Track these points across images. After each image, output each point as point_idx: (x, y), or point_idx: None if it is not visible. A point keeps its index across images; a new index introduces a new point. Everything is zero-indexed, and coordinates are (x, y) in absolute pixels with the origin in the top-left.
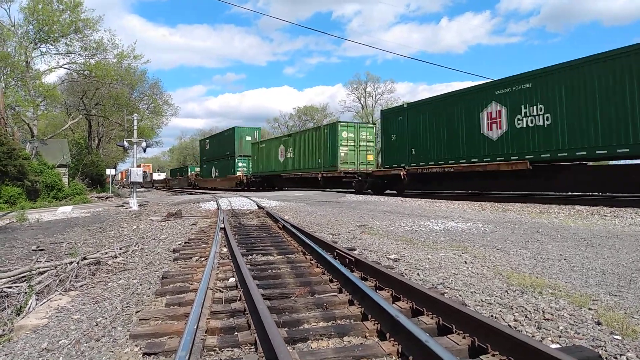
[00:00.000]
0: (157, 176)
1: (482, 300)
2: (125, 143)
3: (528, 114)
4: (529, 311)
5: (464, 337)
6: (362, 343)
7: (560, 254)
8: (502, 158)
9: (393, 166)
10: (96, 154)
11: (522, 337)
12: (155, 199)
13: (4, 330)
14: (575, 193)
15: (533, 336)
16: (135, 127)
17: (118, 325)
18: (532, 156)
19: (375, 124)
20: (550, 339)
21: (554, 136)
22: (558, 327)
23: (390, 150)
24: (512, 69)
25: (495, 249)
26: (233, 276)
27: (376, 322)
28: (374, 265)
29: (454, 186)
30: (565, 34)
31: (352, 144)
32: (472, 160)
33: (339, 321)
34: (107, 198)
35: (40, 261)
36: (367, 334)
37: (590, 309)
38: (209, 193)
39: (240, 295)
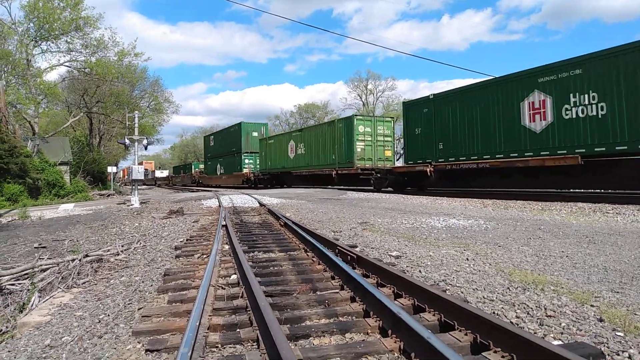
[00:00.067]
0: (159, 173)
1: (484, 297)
2: (127, 141)
3: (578, 104)
4: (531, 308)
5: (466, 334)
6: (364, 340)
7: (562, 251)
8: (547, 152)
9: (417, 162)
10: (97, 151)
11: (524, 333)
12: (156, 197)
13: (7, 327)
14: (577, 190)
15: (535, 333)
16: (136, 125)
17: (120, 322)
18: (583, 150)
19: (393, 117)
20: (552, 335)
21: (611, 127)
22: (560, 324)
23: (414, 144)
24: (513, 66)
25: (497, 246)
26: (235, 273)
27: (378, 318)
28: (376, 262)
29: (488, 184)
30: (567, 31)
31: (369, 138)
32: (512, 155)
33: (340, 318)
34: (108, 195)
35: (43, 258)
36: (369, 331)
37: (592, 305)
38: (213, 191)
39: (242, 292)
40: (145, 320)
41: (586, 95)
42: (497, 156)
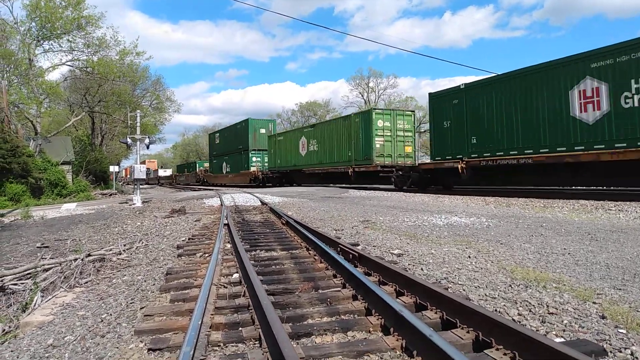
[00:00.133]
0: (162, 172)
1: (486, 294)
2: (129, 140)
3: None
4: (533, 305)
5: (468, 332)
6: (366, 338)
7: (564, 248)
8: (602, 146)
9: (446, 158)
10: (100, 151)
11: (526, 331)
12: (159, 196)
13: (10, 326)
14: (580, 187)
15: (537, 330)
16: (138, 124)
17: (123, 322)
18: None
19: (414, 111)
20: (554, 333)
21: None
22: (562, 321)
23: (442, 139)
24: (515, 63)
25: (499, 243)
26: (237, 272)
27: (380, 317)
28: (378, 261)
29: (530, 181)
30: (569, 27)
31: (389, 134)
32: (559, 149)
33: (342, 316)
34: (110, 195)
35: (45, 258)
36: (371, 329)
37: (594, 302)
38: (215, 190)
39: (245, 291)
40: (147, 319)
41: None
42: (541, 151)
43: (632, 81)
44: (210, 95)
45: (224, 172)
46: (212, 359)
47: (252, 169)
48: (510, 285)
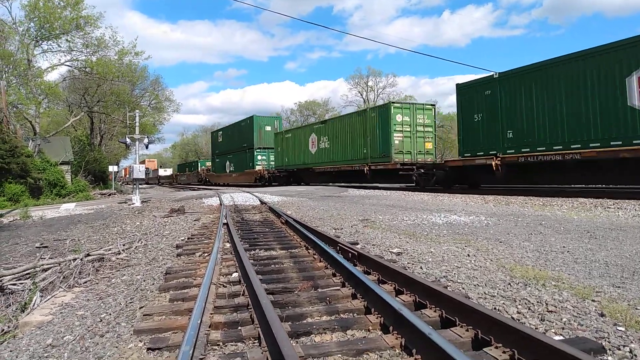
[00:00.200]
0: (163, 172)
1: (485, 292)
2: (128, 140)
3: None
4: (532, 303)
5: (467, 330)
6: (365, 336)
7: (564, 246)
8: None
9: (477, 154)
10: (98, 150)
11: (525, 329)
12: (158, 196)
13: (9, 326)
14: (578, 185)
15: (536, 328)
16: (137, 124)
17: (122, 321)
18: None
19: (434, 104)
20: (553, 331)
21: None
22: (561, 319)
23: (472, 134)
24: (514, 61)
25: (498, 241)
26: (236, 271)
27: (379, 315)
28: (377, 259)
29: (577, 179)
30: (568, 25)
31: (408, 129)
32: (613, 143)
33: (342, 315)
34: (110, 195)
35: (44, 258)
36: (371, 328)
37: (593, 300)
38: (214, 189)
39: (244, 290)
40: (146, 318)
41: None
42: (591, 145)
43: None
44: (209, 94)
45: (228, 171)
46: (211, 358)
47: (258, 167)
48: (509, 284)
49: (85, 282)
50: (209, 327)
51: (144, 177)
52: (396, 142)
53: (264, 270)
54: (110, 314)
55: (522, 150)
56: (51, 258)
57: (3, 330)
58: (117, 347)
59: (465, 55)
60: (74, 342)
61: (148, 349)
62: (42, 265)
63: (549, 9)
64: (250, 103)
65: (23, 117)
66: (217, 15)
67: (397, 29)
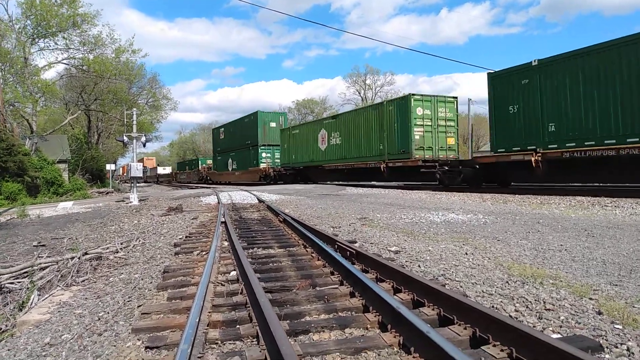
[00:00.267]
0: (162, 170)
1: (483, 291)
2: (125, 138)
3: None
4: (530, 302)
5: (465, 328)
6: (363, 335)
7: (561, 245)
8: None
9: (513, 149)
10: (96, 149)
11: (523, 327)
12: (155, 194)
13: (6, 325)
14: (575, 184)
15: (534, 326)
16: (134, 122)
17: (120, 320)
18: None
19: (456, 97)
20: (551, 329)
21: None
22: (559, 317)
23: (506, 127)
24: (512, 59)
25: (496, 240)
26: (234, 270)
27: (377, 313)
28: (375, 258)
29: (635, 178)
30: (565, 24)
31: (429, 123)
32: None
33: (340, 313)
34: (107, 193)
35: (42, 257)
36: (369, 326)
37: (591, 298)
38: (212, 187)
39: (242, 289)
40: (144, 317)
41: None
42: None
43: None
44: (207, 93)
45: (230, 169)
46: (209, 357)
47: (262, 165)
48: (507, 282)
49: (83, 280)
50: (207, 325)
51: (141, 175)
52: (416, 137)
53: (262, 268)
54: (108, 313)
55: (567, 145)
56: (49, 257)
57: (1, 329)
58: (115, 345)
59: (462, 54)
60: (72, 340)
61: (146, 347)
62: (40, 263)
63: (546, 7)
64: (248, 101)
65: (20, 116)
66: (214, 12)
67: (394, 27)
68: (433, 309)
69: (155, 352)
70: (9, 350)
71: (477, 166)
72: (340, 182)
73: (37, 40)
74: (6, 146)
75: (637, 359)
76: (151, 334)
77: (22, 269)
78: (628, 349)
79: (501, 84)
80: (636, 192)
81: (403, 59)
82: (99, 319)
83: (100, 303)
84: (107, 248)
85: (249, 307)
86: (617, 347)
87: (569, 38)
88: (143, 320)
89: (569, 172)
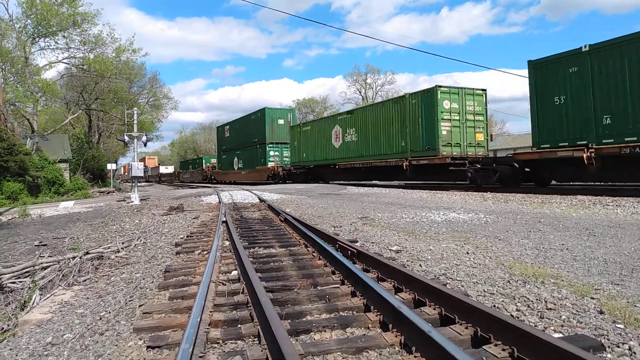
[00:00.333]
0: (164, 169)
1: (484, 290)
2: (126, 137)
3: None
4: (532, 301)
5: (466, 328)
6: (364, 334)
7: (563, 244)
8: None
9: (560, 145)
10: (97, 148)
11: (524, 326)
12: (157, 194)
13: (8, 325)
14: (577, 183)
15: (536, 326)
16: (135, 121)
17: (122, 319)
18: None
19: (485, 89)
20: (552, 328)
21: None
22: (560, 317)
23: (552, 120)
24: (512, 58)
25: (497, 239)
26: (235, 269)
27: (379, 313)
28: (376, 257)
29: None
30: (566, 22)
31: (457, 117)
32: None
33: (341, 313)
34: (108, 193)
35: (43, 256)
36: (370, 325)
37: (592, 298)
38: (212, 187)
39: (243, 288)
40: (146, 316)
41: None
42: None
43: None
44: (207, 92)
45: (236, 168)
46: (211, 356)
47: (270, 164)
48: (508, 281)
49: (85, 280)
50: (209, 325)
51: (142, 174)
52: (444, 132)
53: (263, 268)
54: (109, 312)
55: (626, 139)
56: (50, 256)
57: (3, 328)
58: (116, 345)
59: (463, 53)
60: (73, 340)
61: (148, 347)
62: (42, 263)
63: (546, 6)
64: (249, 100)
65: (21, 115)
66: (215, 12)
67: (395, 26)
68: (434, 309)
69: (157, 352)
70: (10, 349)
71: (515, 164)
72: (356, 182)
73: (37, 39)
74: (7, 146)
75: (639, 358)
76: (153, 334)
77: (23, 269)
78: (630, 349)
79: (545, 72)
80: (638, 191)
81: (403, 58)
82: (101, 319)
83: (101, 302)
84: (109, 247)
85: (250, 306)
86: (618, 347)
87: (570, 37)
88: (145, 319)
89: (629, 170)
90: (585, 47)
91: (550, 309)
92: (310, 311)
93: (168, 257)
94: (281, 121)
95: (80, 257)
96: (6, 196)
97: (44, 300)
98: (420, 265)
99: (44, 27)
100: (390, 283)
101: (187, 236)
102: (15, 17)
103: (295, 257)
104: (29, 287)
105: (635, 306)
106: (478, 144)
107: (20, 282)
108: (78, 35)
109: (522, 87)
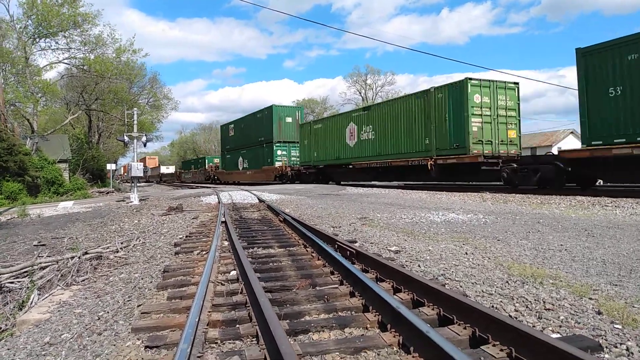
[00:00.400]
0: (165, 169)
1: (482, 291)
2: (126, 137)
3: None
4: (530, 301)
5: (464, 328)
6: (363, 334)
7: (561, 245)
8: None
9: (614, 142)
10: (97, 149)
11: (523, 327)
12: (156, 194)
13: (6, 325)
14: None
15: (534, 326)
16: (135, 122)
17: (120, 319)
18: None
19: (517, 83)
20: (551, 328)
21: None
22: (559, 317)
23: (605, 114)
24: (512, 59)
25: (496, 240)
26: (234, 269)
27: (377, 313)
28: (375, 257)
29: None
30: (566, 23)
31: (488, 112)
32: None
33: (340, 313)
34: (108, 193)
35: (42, 256)
36: (368, 325)
37: (590, 298)
38: (212, 187)
39: (242, 288)
40: (144, 316)
41: None
42: None
43: None
44: (208, 92)
45: (241, 168)
46: (209, 356)
47: (278, 164)
48: (507, 282)
49: (83, 280)
50: (207, 325)
51: (142, 175)
52: (474, 128)
53: (262, 268)
54: (108, 312)
55: None
56: (49, 256)
57: (1, 328)
58: (114, 345)
59: (464, 53)
60: (71, 340)
61: (146, 347)
62: (40, 263)
63: (547, 7)
64: (249, 101)
65: (21, 115)
66: (215, 12)
67: (395, 27)
68: (433, 309)
69: (155, 352)
70: (8, 349)
71: (559, 163)
72: (374, 183)
73: (38, 40)
74: (7, 146)
75: (637, 358)
76: (151, 334)
77: (22, 269)
78: (627, 349)
79: (596, 61)
80: (636, 192)
81: (404, 59)
82: (99, 319)
83: (100, 302)
84: (108, 247)
85: (248, 306)
86: (616, 347)
87: (570, 38)
88: (143, 319)
89: None
90: None
91: (549, 309)
92: (309, 311)
93: (167, 257)
94: (289, 119)
95: (79, 257)
96: (5, 196)
97: (42, 300)
98: (419, 266)
99: (45, 28)
100: (389, 283)
101: (186, 236)
102: (16, 18)
103: (294, 258)
104: (27, 287)
105: (633, 307)
106: (510, 141)
107: (19, 282)
108: (78, 36)
109: (522, 88)
